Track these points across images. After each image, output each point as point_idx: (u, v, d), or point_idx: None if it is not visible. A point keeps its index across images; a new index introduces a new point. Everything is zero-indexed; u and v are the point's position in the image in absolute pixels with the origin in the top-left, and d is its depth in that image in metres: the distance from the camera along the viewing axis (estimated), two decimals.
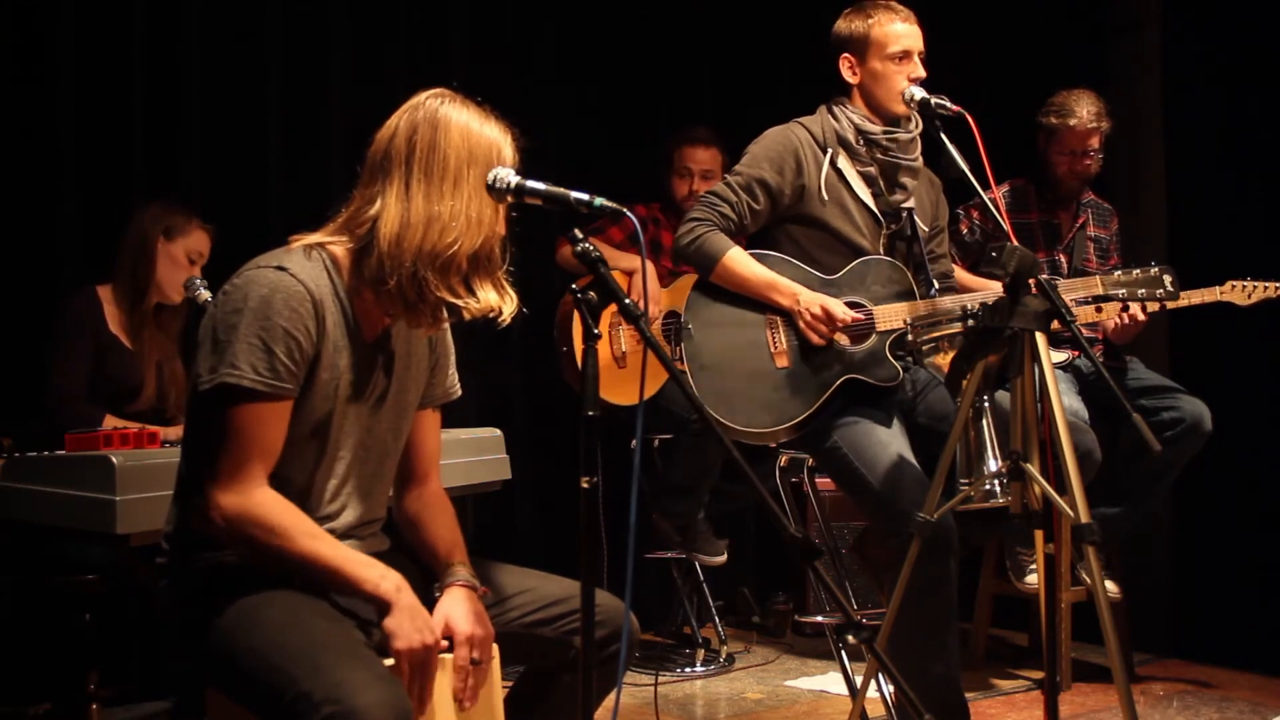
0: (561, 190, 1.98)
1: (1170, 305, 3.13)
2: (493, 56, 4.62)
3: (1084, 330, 3.76)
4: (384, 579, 1.97)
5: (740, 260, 3.05)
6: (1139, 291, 3.03)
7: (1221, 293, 3.46)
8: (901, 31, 3.09)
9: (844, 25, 3.16)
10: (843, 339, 3.02)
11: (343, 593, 1.98)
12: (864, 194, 3.11)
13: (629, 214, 2.00)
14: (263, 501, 1.95)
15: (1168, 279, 3.02)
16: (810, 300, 3.00)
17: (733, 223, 3.08)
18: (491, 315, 2.03)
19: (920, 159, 3.17)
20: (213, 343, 1.96)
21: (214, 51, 3.99)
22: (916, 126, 3.13)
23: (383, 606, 1.96)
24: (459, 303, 2.00)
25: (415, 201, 1.99)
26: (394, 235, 1.98)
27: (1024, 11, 4.69)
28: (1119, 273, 3.06)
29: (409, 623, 1.94)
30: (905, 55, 3.08)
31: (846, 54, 3.15)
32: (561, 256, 4.15)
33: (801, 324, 3.00)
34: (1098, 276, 3.10)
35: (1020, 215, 3.99)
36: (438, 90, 2.08)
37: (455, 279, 2.00)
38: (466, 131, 2.02)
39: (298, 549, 1.94)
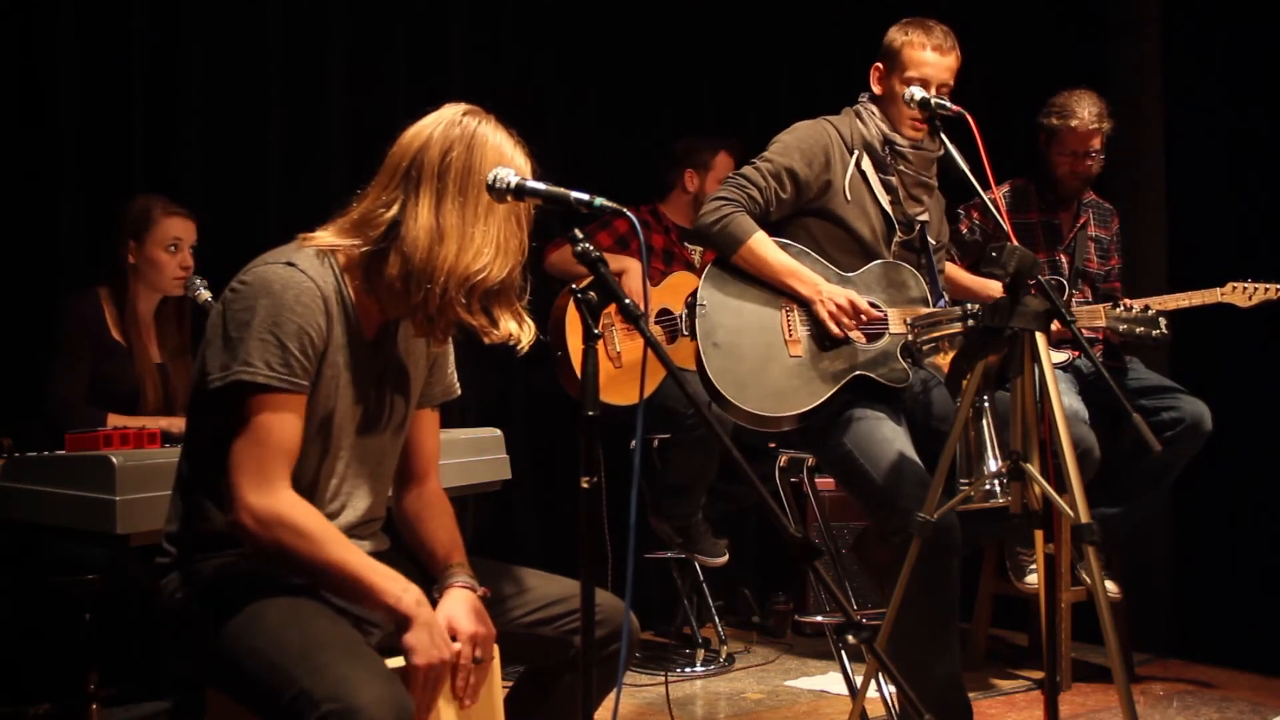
0: (561, 190, 1.98)
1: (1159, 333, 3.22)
2: (492, 56, 4.62)
3: (1084, 331, 3.76)
4: (406, 592, 1.96)
5: (765, 245, 3.04)
6: (1137, 329, 3.12)
7: (1222, 294, 3.47)
8: (928, 59, 3.09)
9: (889, 34, 3.18)
10: (859, 336, 3.02)
11: (362, 603, 1.98)
12: (883, 199, 3.13)
13: (628, 213, 2.00)
14: (292, 504, 1.94)
15: (1163, 321, 3.11)
16: (834, 291, 3.00)
17: (759, 207, 3.07)
18: (511, 342, 2.04)
19: (936, 181, 3.20)
20: (224, 339, 1.96)
21: (214, 52, 3.99)
22: (939, 149, 3.12)
23: (402, 621, 1.95)
24: (479, 327, 2.01)
25: (449, 219, 1.98)
26: (425, 248, 1.97)
27: (1024, 11, 4.69)
28: (1120, 309, 3.17)
29: (428, 638, 1.94)
30: (923, 84, 3.07)
31: (878, 63, 3.17)
32: (549, 263, 4.13)
33: (823, 313, 3.00)
34: (1102, 308, 3.18)
35: (1021, 215, 3.99)
36: (471, 108, 2.07)
37: (478, 304, 2.00)
38: (500, 157, 2.02)
39: (325, 556, 1.93)
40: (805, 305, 3.03)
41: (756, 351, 3.01)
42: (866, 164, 3.14)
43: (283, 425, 1.95)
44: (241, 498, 1.92)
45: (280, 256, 2.01)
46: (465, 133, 2.01)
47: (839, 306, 2.98)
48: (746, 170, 3.11)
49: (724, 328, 3.03)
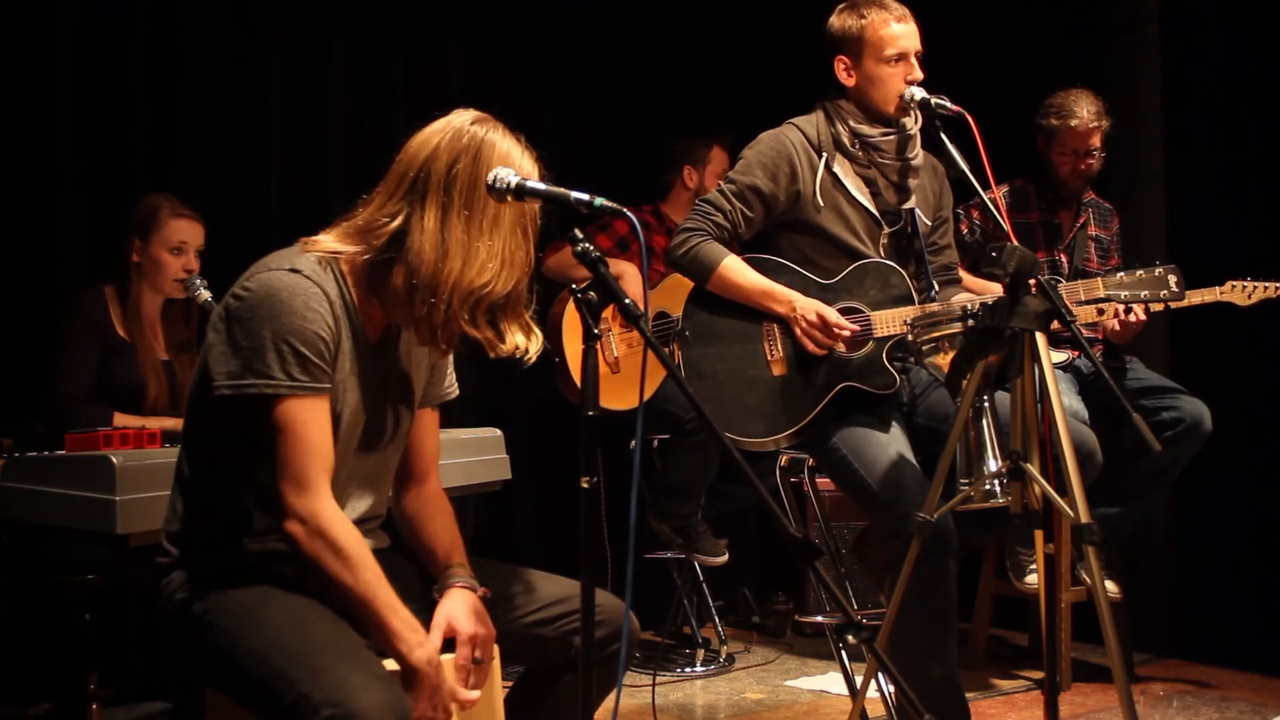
0: (561, 190, 1.97)
1: (1175, 305, 3.11)
2: (492, 57, 4.62)
3: (1084, 330, 3.76)
4: (420, 647, 1.94)
5: (736, 269, 3.02)
6: (1142, 293, 3.00)
7: (1221, 293, 3.46)
8: (898, 33, 3.03)
9: (838, 23, 3.10)
10: (840, 346, 3.00)
11: (374, 637, 1.96)
12: (862, 196, 3.07)
13: (628, 214, 2.00)
14: (335, 519, 1.94)
15: (1173, 279, 2.98)
16: (806, 308, 2.97)
17: (727, 231, 3.05)
18: (518, 354, 2.04)
19: (921, 154, 3.14)
20: (232, 346, 1.95)
21: (214, 51, 3.99)
22: (916, 123, 3.09)
23: (409, 675, 1.94)
24: (485, 340, 2.01)
25: (454, 233, 1.97)
26: (430, 262, 1.96)
27: (1024, 11, 4.69)
28: (1122, 274, 3.03)
29: (427, 702, 1.94)
30: (902, 57, 3.02)
31: (841, 55, 3.09)
32: (548, 266, 4.13)
33: (798, 332, 2.98)
34: (1099, 279, 3.08)
35: (1021, 215, 3.98)
36: (480, 116, 2.06)
37: (483, 317, 2.00)
38: (506, 166, 2.00)
39: (356, 583, 1.93)
40: (784, 323, 3.01)
41: (739, 377, 3.01)
42: (839, 164, 3.07)
43: (313, 428, 1.95)
44: (289, 506, 1.92)
45: (283, 262, 2.00)
46: (473, 144, 2.00)
47: (809, 323, 2.96)
48: (711, 195, 3.08)
49: (706, 357, 3.03)
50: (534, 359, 2.06)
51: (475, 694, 2.02)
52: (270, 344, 1.92)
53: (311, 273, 1.99)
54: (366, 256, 2.04)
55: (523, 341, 2.04)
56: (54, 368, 3.34)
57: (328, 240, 2.07)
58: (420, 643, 1.94)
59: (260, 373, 1.92)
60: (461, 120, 2.04)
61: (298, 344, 1.93)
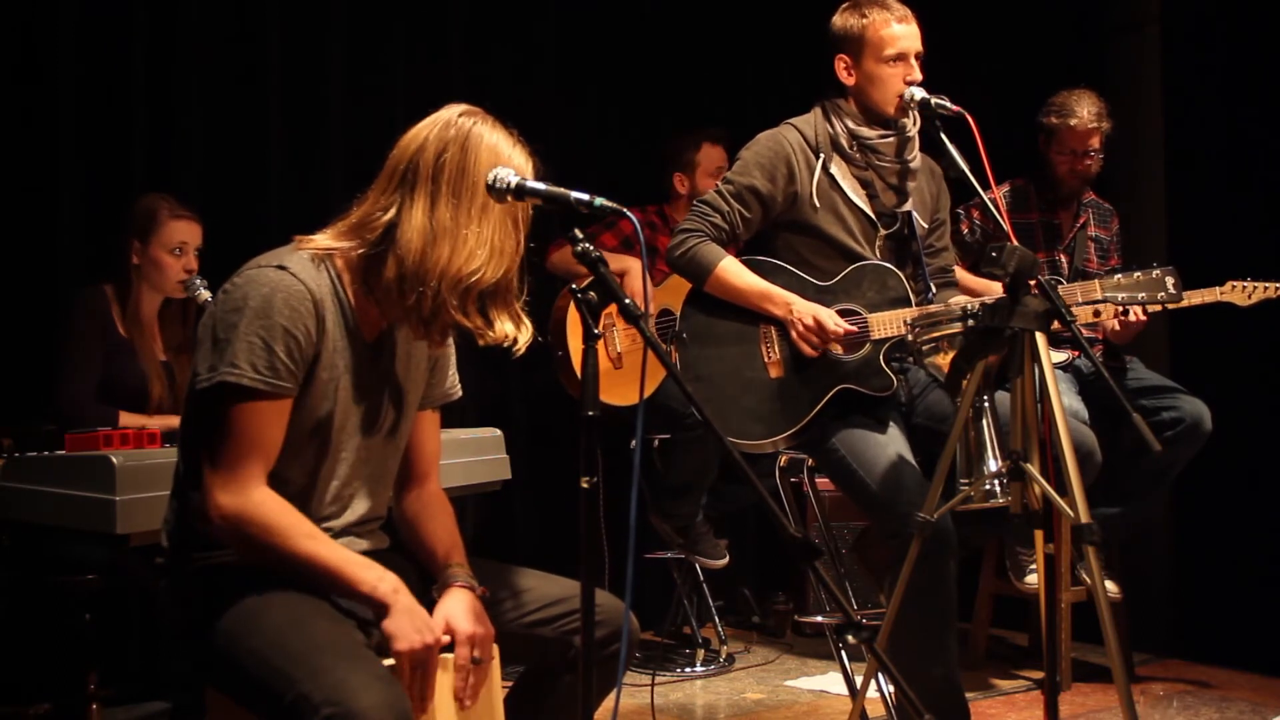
0: (561, 190, 1.98)
1: (1172, 307, 3.11)
2: (492, 57, 4.62)
3: (1084, 330, 3.76)
4: (381, 580, 1.97)
5: (733, 271, 3.03)
6: (1139, 295, 2.99)
7: (1221, 293, 3.46)
8: (899, 33, 3.03)
9: (840, 22, 3.11)
10: (837, 348, 3.00)
11: (340, 594, 1.98)
12: (858, 198, 3.07)
13: (629, 214, 2.00)
14: (261, 501, 1.95)
15: (1170, 280, 2.96)
16: (803, 311, 2.97)
17: (724, 232, 3.05)
18: (506, 344, 2.04)
19: (919, 156, 3.15)
20: (213, 341, 1.97)
21: (214, 51, 3.99)
22: (914, 124, 3.10)
23: (380, 608, 1.96)
24: (474, 329, 2.01)
25: (442, 221, 1.98)
26: (418, 250, 1.97)
27: (1024, 11, 4.69)
28: (1119, 276, 3.02)
29: (408, 623, 1.95)
30: (901, 57, 3.02)
31: (842, 54, 3.09)
32: (551, 263, 4.14)
33: (794, 335, 2.98)
34: (1096, 281, 3.08)
35: (1021, 215, 3.98)
36: (468, 108, 2.07)
37: (473, 305, 2.00)
38: (495, 157, 2.01)
39: (296, 549, 1.94)
40: (782, 326, 3.01)
41: (737, 379, 3.01)
42: (836, 165, 3.07)
43: (262, 427, 1.95)
44: (212, 496, 1.94)
45: (272, 259, 2.02)
46: (460, 134, 2.02)
47: (806, 327, 2.95)
48: (709, 196, 3.09)
49: (703, 360, 3.03)
50: (523, 349, 2.06)
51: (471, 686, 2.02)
52: (242, 336, 1.93)
53: (299, 270, 2.00)
54: (361, 251, 2.04)
55: (511, 330, 2.04)
56: (61, 366, 3.33)
57: (322, 239, 2.07)
58: (381, 576, 1.97)
59: (229, 362, 1.93)
60: (450, 113, 2.05)
61: (269, 339, 1.94)
